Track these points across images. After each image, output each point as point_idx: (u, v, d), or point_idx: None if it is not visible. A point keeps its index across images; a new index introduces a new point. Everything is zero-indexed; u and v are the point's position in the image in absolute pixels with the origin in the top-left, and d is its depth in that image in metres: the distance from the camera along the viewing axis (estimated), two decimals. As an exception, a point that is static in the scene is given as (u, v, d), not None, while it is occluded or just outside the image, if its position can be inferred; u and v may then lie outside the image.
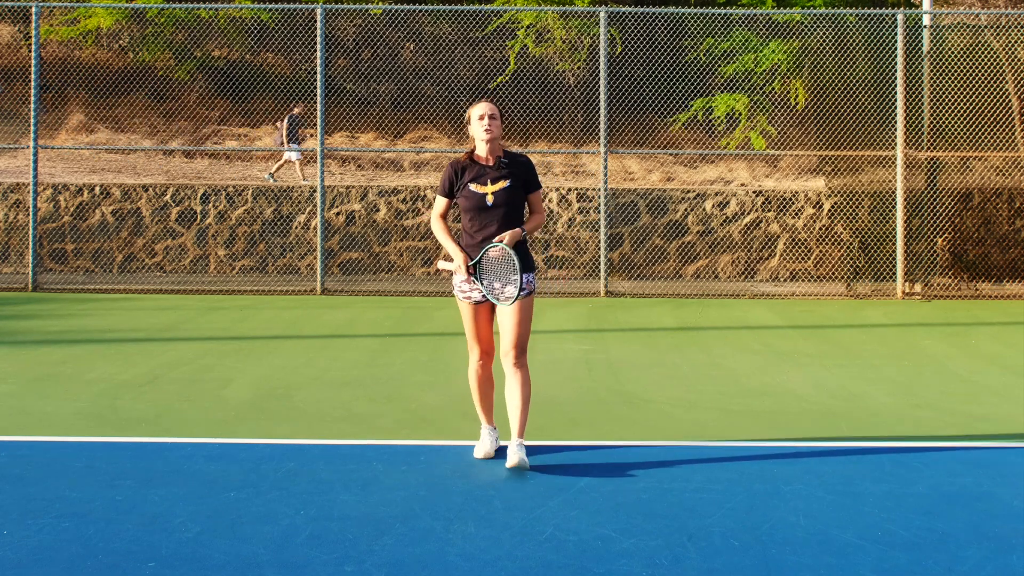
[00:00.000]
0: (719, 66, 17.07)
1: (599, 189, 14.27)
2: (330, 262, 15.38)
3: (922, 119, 14.06)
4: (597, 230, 15.06)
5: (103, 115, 19.97)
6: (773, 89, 17.18)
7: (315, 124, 15.43)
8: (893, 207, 13.96)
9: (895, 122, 13.86)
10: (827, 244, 15.36)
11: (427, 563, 3.97)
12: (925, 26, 14.21)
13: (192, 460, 5.40)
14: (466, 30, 19.82)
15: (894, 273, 13.92)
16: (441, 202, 5.50)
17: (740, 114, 17.28)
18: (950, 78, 14.07)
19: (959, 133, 14.07)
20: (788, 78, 16.92)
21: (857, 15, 14.45)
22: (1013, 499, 4.84)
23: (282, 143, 17.67)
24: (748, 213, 15.61)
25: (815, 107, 14.92)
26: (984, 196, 14.90)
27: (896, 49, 13.80)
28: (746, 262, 15.54)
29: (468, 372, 5.57)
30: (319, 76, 13.86)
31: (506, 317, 5.36)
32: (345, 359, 8.82)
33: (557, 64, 19.45)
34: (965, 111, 14.04)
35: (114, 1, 19.50)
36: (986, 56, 14.26)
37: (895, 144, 13.88)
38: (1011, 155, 14.48)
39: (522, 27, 18.68)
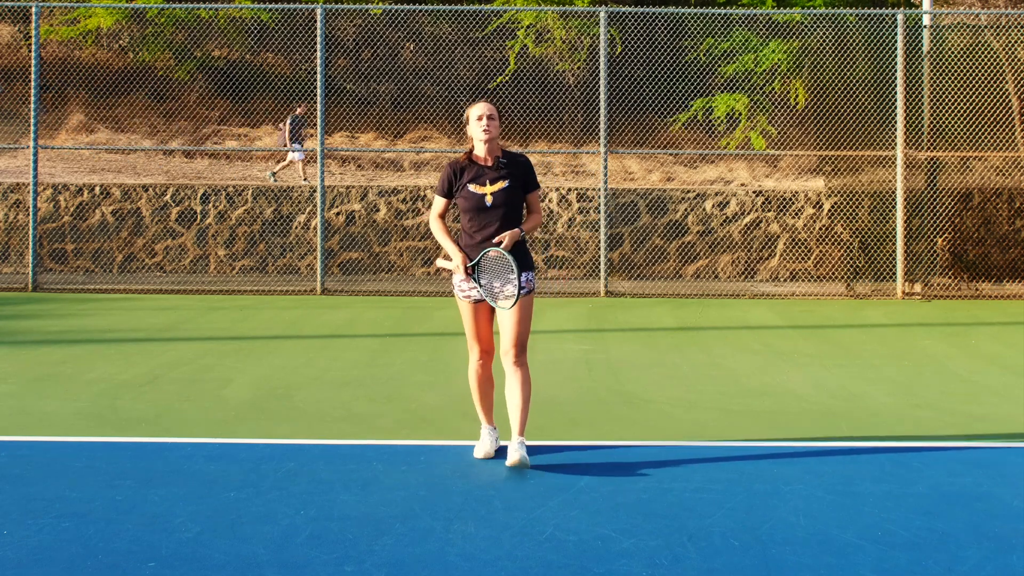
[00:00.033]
0: (719, 66, 17.08)
1: (599, 189, 14.27)
2: (330, 262, 15.38)
3: (922, 119, 14.06)
4: (597, 230, 15.06)
5: (103, 115, 19.98)
6: (773, 89, 17.18)
7: (315, 124, 15.43)
8: (893, 207, 13.97)
9: (895, 122, 13.86)
10: (827, 244, 15.36)
11: (427, 563, 3.97)
12: (925, 26, 14.21)
13: (192, 460, 5.40)
14: (466, 30, 19.82)
15: (894, 273, 13.92)
16: (440, 202, 5.51)
17: (740, 114, 17.28)
18: (950, 78, 14.07)
19: (959, 133, 14.07)
20: (788, 78, 16.92)
21: (857, 15, 14.45)
22: (1013, 499, 4.84)
23: (285, 143, 17.68)
24: (748, 213, 15.61)
25: (815, 107, 14.92)
26: (984, 196, 14.90)
27: (896, 49, 13.80)
28: (746, 262, 15.54)
29: (468, 371, 5.57)
30: (319, 76, 13.86)
31: (506, 316, 5.36)
32: (345, 359, 8.82)
33: (557, 64, 19.45)
34: (965, 111, 14.04)
35: (114, 1, 19.50)
36: (986, 56, 14.26)
37: (895, 144, 13.88)
38: (1011, 155, 14.49)
39: (522, 27, 18.68)
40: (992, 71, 14.26)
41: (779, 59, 16.56)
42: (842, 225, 15.00)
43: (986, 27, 14.73)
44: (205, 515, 4.50)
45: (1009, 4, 20.25)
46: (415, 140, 19.86)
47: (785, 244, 15.53)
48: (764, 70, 16.83)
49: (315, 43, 15.28)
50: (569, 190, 15.81)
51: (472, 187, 5.38)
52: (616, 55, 16.76)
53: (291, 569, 3.90)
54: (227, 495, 4.79)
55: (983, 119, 14.08)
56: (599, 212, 14.32)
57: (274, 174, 17.72)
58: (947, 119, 14.05)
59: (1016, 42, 14.42)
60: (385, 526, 4.38)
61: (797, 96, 16.65)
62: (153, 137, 19.71)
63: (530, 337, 5.54)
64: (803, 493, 4.88)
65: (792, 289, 14.51)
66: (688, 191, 15.82)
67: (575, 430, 6.23)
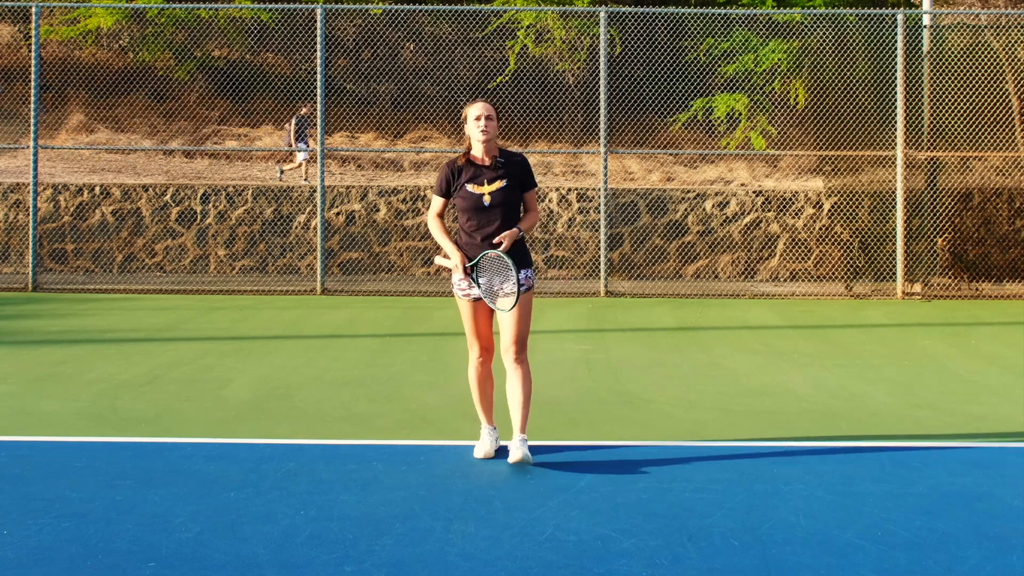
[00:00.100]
0: (719, 66, 17.07)
1: (599, 189, 14.27)
2: (330, 262, 15.38)
3: (922, 119, 14.06)
4: (597, 230, 15.06)
5: (103, 115, 19.97)
6: (773, 89, 17.18)
7: (315, 124, 15.43)
8: (893, 207, 13.97)
9: (895, 122, 13.86)
10: (827, 244, 15.36)
11: (427, 563, 3.97)
12: (925, 26, 14.21)
13: (192, 460, 5.40)
14: (466, 30, 19.82)
15: (894, 273, 13.92)
16: (438, 202, 5.52)
17: (740, 114, 17.28)
18: (950, 78, 14.07)
19: (959, 133, 14.07)
20: (788, 78, 16.92)
21: (857, 15, 14.45)
22: (1013, 499, 4.84)
23: (290, 143, 17.70)
24: (748, 213, 15.61)
25: (815, 107, 14.92)
26: (984, 196, 14.90)
27: (896, 49, 13.80)
28: (746, 262, 15.54)
29: (468, 370, 5.58)
30: (319, 76, 13.86)
31: (505, 313, 5.37)
32: (345, 359, 8.82)
33: (557, 64, 19.45)
34: (965, 111, 14.04)
35: (114, 1, 19.50)
36: (986, 56, 14.26)
37: (895, 144, 13.88)
38: (1011, 155, 14.48)
39: (522, 27, 18.68)
40: (992, 71, 14.25)
41: (779, 59, 16.56)
42: (842, 225, 14.99)
43: (986, 27, 14.73)
44: (205, 515, 4.50)
45: (1009, 4, 20.25)
46: (415, 140, 19.86)
47: (785, 244, 15.53)
48: (764, 70, 16.83)
49: (315, 43, 15.28)
50: (569, 190, 15.81)
51: (470, 187, 5.39)
52: (616, 55, 16.76)
53: (291, 569, 3.90)
54: (227, 495, 4.79)
55: (983, 119, 14.08)
56: (599, 212, 14.32)
57: (283, 172, 17.77)
58: (947, 119, 14.05)
59: (1016, 42, 14.42)
60: (385, 526, 4.38)
61: (797, 96, 16.65)
62: (153, 137, 19.71)
63: (530, 337, 5.55)
64: (803, 493, 4.88)
65: (792, 289, 14.51)
66: (688, 191, 15.82)
67: (575, 430, 6.24)
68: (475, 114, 5.40)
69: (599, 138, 14.03)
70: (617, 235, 15.49)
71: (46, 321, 11.08)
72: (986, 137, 14.13)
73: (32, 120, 14.00)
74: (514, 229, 5.35)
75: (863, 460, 5.54)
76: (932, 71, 14.06)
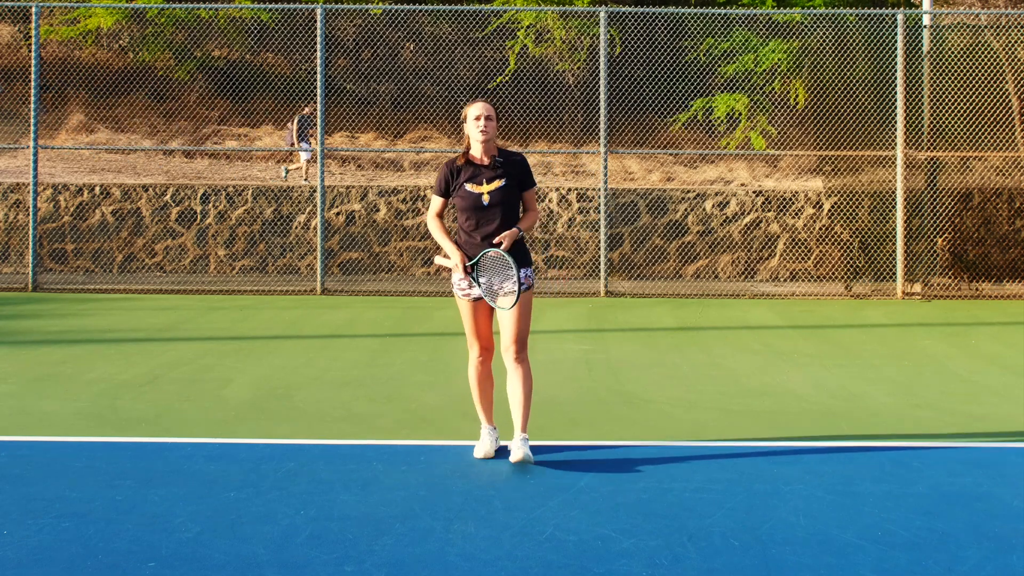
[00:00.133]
0: (719, 66, 17.07)
1: (599, 189, 14.27)
2: (330, 262, 15.38)
3: (922, 119, 14.06)
4: (597, 230, 15.06)
5: (103, 115, 19.97)
6: (773, 89, 17.18)
7: (316, 124, 15.43)
8: (893, 207, 13.97)
9: (895, 122, 13.86)
10: (827, 244, 15.36)
11: (427, 563, 3.97)
12: (925, 26, 14.21)
13: (192, 460, 5.40)
14: (466, 30, 19.82)
15: (894, 273, 13.92)
16: (437, 202, 5.53)
17: (740, 114, 17.28)
18: (950, 78, 14.07)
19: (959, 133, 14.07)
20: (788, 78, 16.92)
21: (857, 15, 14.45)
22: (1013, 499, 4.84)
23: (293, 143, 17.70)
24: (748, 213, 15.61)
25: (815, 107, 14.92)
26: (984, 196, 14.90)
27: (896, 49, 13.80)
28: (746, 262, 15.54)
29: (468, 370, 5.59)
30: (319, 76, 13.86)
31: (505, 313, 5.38)
32: (345, 359, 8.82)
33: (557, 64, 19.45)
34: (965, 111, 14.04)
35: (114, 1, 19.50)
36: (986, 56, 14.26)
37: (895, 144, 13.88)
38: (1011, 155, 14.48)
39: (522, 27, 18.68)
40: (992, 71, 14.25)
41: (779, 59, 16.56)
42: (842, 225, 14.99)
43: (986, 27, 14.73)
44: (205, 515, 4.50)
45: (1009, 4, 20.25)
46: (415, 140, 19.86)
47: (785, 244, 15.53)
48: (764, 70, 16.83)
49: (315, 43, 15.28)
50: (569, 190, 15.81)
51: (469, 186, 5.40)
52: (616, 55, 16.76)
53: (291, 569, 3.90)
54: (227, 495, 4.79)
55: (983, 119, 14.08)
56: (599, 212, 14.32)
57: (288, 171, 17.80)
58: (947, 119, 14.05)
59: (1016, 42, 14.42)
60: (385, 526, 4.38)
61: (797, 96, 16.65)
62: (153, 137, 19.71)
63: (530, 337, 5.55)
64: (803, 493, 4.88)
65: (792, 289, 14.51)
66: (688, 191, 15.82)
67: (575, 430, 6.24)
68: (475, 114, 5.42)
69: (599, 138, 14.03)
70: (617, 235, 15.49)
71: (46, 321, 11.08)
72: (986, 137, 14.12)
73: (32, 120, 14.00)
74: (514, 229, 5.36)
75: (863, 460, 5.54)
76: (932, 71, 14.06)
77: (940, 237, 14.41)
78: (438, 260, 5.53)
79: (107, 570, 3.88)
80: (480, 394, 5.55)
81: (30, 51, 16.57)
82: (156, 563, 3.94)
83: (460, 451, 5.62)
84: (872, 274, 14.33)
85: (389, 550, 4.10)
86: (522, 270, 5.32)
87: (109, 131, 19.60)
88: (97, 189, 15.72)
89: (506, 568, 3.92)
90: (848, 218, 14.82)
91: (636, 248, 15.56)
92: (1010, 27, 14.51)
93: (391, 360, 8.74)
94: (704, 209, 15.63)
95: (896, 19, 13.86)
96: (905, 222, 13.85)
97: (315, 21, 15.91)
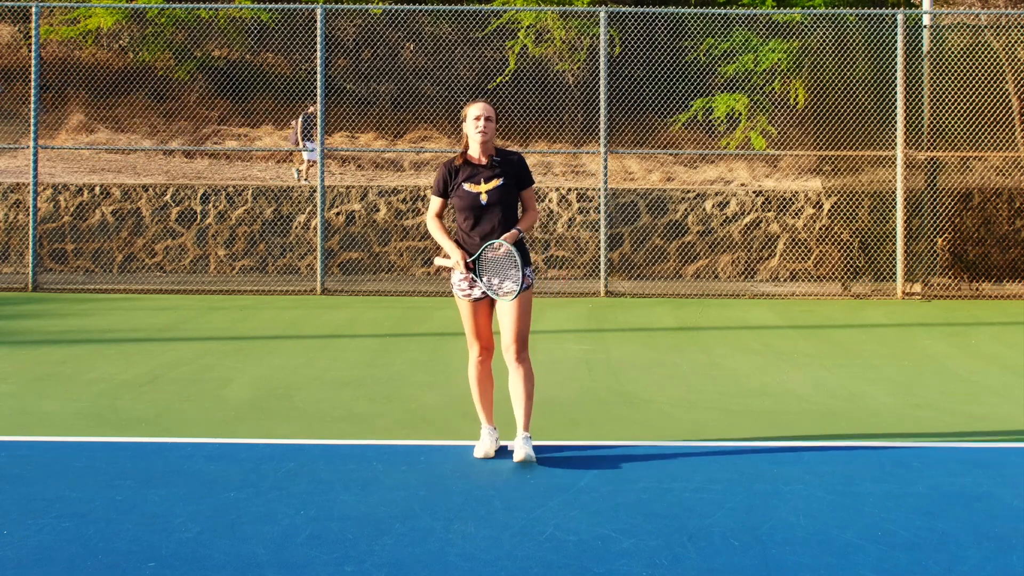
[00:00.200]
0: (719, 66, 17.07)
1: (599, 189, 14.27)
2: (330, 262, 15.38)
3: (922, 119, 14.06)
4: (597, 230, 15.06)
5: (103, 115, 19.97)
6: (773, 89, 17.18)
7: (316, 124, 15.43)
8: (893, 207, 13.97)
9: (895, 122, 13.86)
10: (827, 244, 15.36)
11: (427, 563, 3.97)
12: (925, 26, 14.21)
13: (192, 460, 5.40)
14: (466, 30, 19.82)
15: (894, 273, 13.92)
16: (436, 202, 5.54)
17: (740, 114, 17.28)
18: (950, 78, 14.07)
19: (959, 133, 14.07)
20: (788, 78, 16.92)
21: (857, 15, 14.45)
22: (1013, 499, 4.84)
23: (296, 142, 17.69)
24: (748, 213, 15.61)
25: (815, 107, 14.92)
26: (984, 196, 14.89)
27: (896, 49, 13.79)
28: (746, 262, 15.54)
29: (468, 370, 5.59)
30: (319, 76, 13.86)
31: (505, 312, 5.39)
32: (345, 359, 8.82)
33: (557, 64, 19.45)
34: (965, 111, 14.04)
35: (114, 1, 19.50)
36: (986, 56, 14.26)
37: (895, 144, 13.88)
38: (1011, 155, 14.48)
39: (522, 27, 18.68)
40: (992, 71, 14.25)
41: (779, 59, 16.55)
42: (842, 225, 14.99)
43: (986, 27, 14.73)
44: (205, 515, 4.50)
45: (1009, 4, 20.25)
46: (415, 140, 19.86)
47: (785, 244, 15.53)
48: (764, 70, 16.82)
49: (315, 43, 15.28)
50: (569, 190, 15.81)
51: (467, 186, 5.41)
52: (616, 55, 16.76)
53: (291, 569, 3.90)
54: (227, 495, 4.79)
55: (983, 119, 14.08)
56: (599, 212, 14.32)
57: (299, 171, 17.80)
58: (947, 119, 14.05)
59: (1016, 42, 14.42)
60: (385, 526, 4.38)
61: (797, 96, 16.65)
62: (153, 137, 19.71)
63: (530, 337, 5.55)
64: (803, 493, 4.88)
65: (792, 289, 14.51)
66: (688, 191, 15.82)
67: (575, 430, 6.24)
68: (475, 114, 5.43)
69: (599, 138, 14.03)
70: (617, 235, 15.49)
71: (46, 321, 11.08)
72: (986, 137, 14.12)
73: (32, 120, 14.00)
74: (514, 230, 5.37)
75: (863, 460, 5.54)
76: (932, 71, 14.05)
77: (940, 237, 14.41)
78: (438, 261, 5.53)
79: (107, 570, 3.88)
80: (480, 394, 5.56)
81: (30, 51, 16.57)
82: (156, 563, 3.95)
83: (460, 451, 5.62)
84: (872, 274, 14.33)
85: (389, 550, 4.10)
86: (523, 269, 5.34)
87: (109, 131, 19.60)
88: (97, 189, 15.72)
89: (506, 568, 3.92)
90: (848, 218, 14.82)
91: (636, 248, 15.56)
92: (1010, 27, 14.51)
93: (391, 360, 8.74)
94: (704, 209, 15.63)
95: (896, 19, 13.86)
96: (905, 222, 13.85)
97: (315, 21, 15.91)
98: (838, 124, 14.37)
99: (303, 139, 17.50)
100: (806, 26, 15.29)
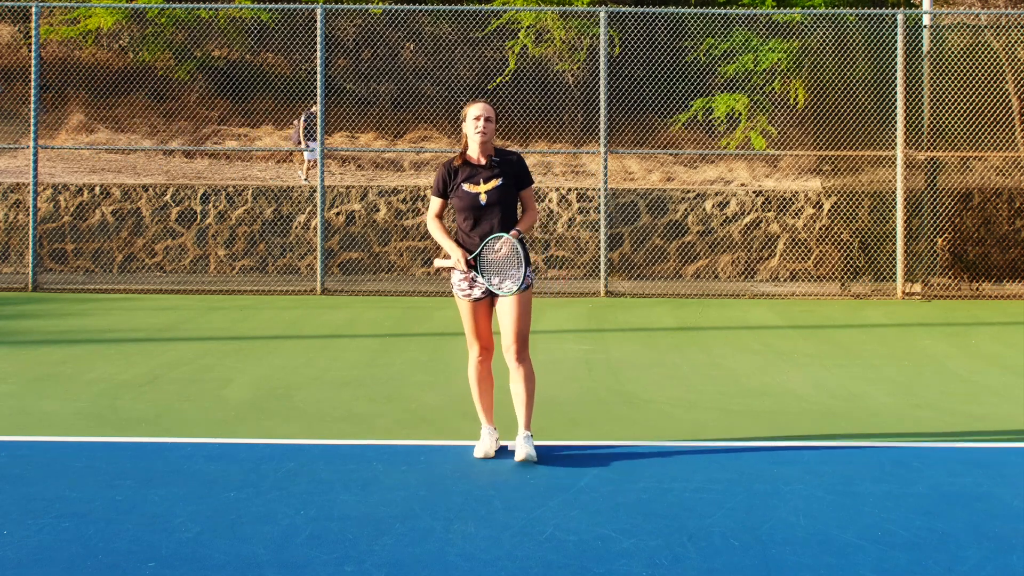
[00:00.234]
0: (719, 66, 17.07)
1: (599, 189, 14.27)
2: (330, 262, 15.38)
3: (922, 119, 14.06)
4: (597, 230, 15.06)
5: (103, 115, 19.97)
6: (773, 89, 17.18)
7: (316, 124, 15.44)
8: (893, 207, 13.97)
9: (895, 122, 13.86)
10: (827, 244, 15.36)
11: (427, 563, 3.97)
12: (925, 26, 14.21)
13: (192, 460, 5.40)
14: (466, 30, 19.82)
15: (894, 273, 13.92)
16: (436, 203, 5.55)
17: (740, 114, 17.28)
18: (950, 78, 14.07)
19: (959, 133, 14.07)
20: (788, 78, 16.92)
21: (857, 15, 14.45)
22: (1013, 499, 4.84)
23: (299, 142, 17.69)
24: (748, 213, 15.61)
25: (815, 107, 14.92)
26: (984, 196, 14.89)
27: (896, 49, 13.79)
28: (746, 262, 15.54)
29: (468, 370, 5.60)
30: (319, 76, 13.86)
31: (505, 312, 5.39)
32: (345, 359, 8.82)
33: (557, 64, 19.45)
34: (965, 111, 14.04)
35: (114, 1, 19.50)
36: (986, 56, 14.26)
37: (895, 144, 13.88)
38: (1011, 155, 14.48)
39: (522, 27, 18.68)
40: (992, 71, 14.25)
41: (779, 59, 16.55)
42: (842, 225, 14.99)
43: (986, 27, 14.73)
44: (205, 515, 4.50)
45: (1009, 4, 20.25)
46: (415, 140, 19.86)
47: (785, 244, 15.53)
48: (764, 70, 16.82)
49: (315, 43, 15.28)
50: (569, 190, 15.81)
51: (466, 186, 5.42)
52: (616, 55, 16.76)
53: (291, 569, 3.90)
54: (227, 495, 4.79)
55: (983, 119, 14.08)
56: (599, 212, 14.32)
57: (304, 174, 17.81)
58: (947, 119, 14.05)
59: (1016, 42, 14.42)
60: (385, 526, 4.38)
61: (797, 96, 16.65)
62: (153, 137, 19.71)
63: (531, 337, 5.55)
64: (803, 493, 4.88)
65: (792, 289, 14.51)
66: (688, 191, 15.82)
67: (575, 430, 6.24)
68: (474, 114, 5.44)
69: (599, 138, 14.03)
70: (617, 235, 15.49)
71: (46, 321, 11.08)
72: (986, 137, 14.12)
73: (32, 120, 14.00)
74: (514, 231, 5.37)
75: (863, 460, 5.54)
76: (932, 71, 14.05)
77: (940, 237, 14.41)
78: (438, 263, 5.54)
79: (107, 570, 3.88)
80: (480, 394, 5.56)
81: (30, 51, 16.57)
82: (156, 563, 3.95)
83: (460, 451, 5.62)
84: (872, 274, 14.33)
85: (389, 550, 4.10)
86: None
87: (109, 131, 19.60)
88: (97, 189, 15.72)
89: (506, 568, 3.92)
90: (848, 218, 14.82)
91: (636, 248, 15.56)
92: (1010, 27, 14.51)
93: (391, 360, 8.74)
94: (704, 209, 15.63)
95: (896, 19, 13.86)
96: (905, 222, 13.85)
97: (315, 21, 15.91)
98: (838, 124, 14.37)
99: (305, 139, 17.50)
100: (806, 26, 15.29)
